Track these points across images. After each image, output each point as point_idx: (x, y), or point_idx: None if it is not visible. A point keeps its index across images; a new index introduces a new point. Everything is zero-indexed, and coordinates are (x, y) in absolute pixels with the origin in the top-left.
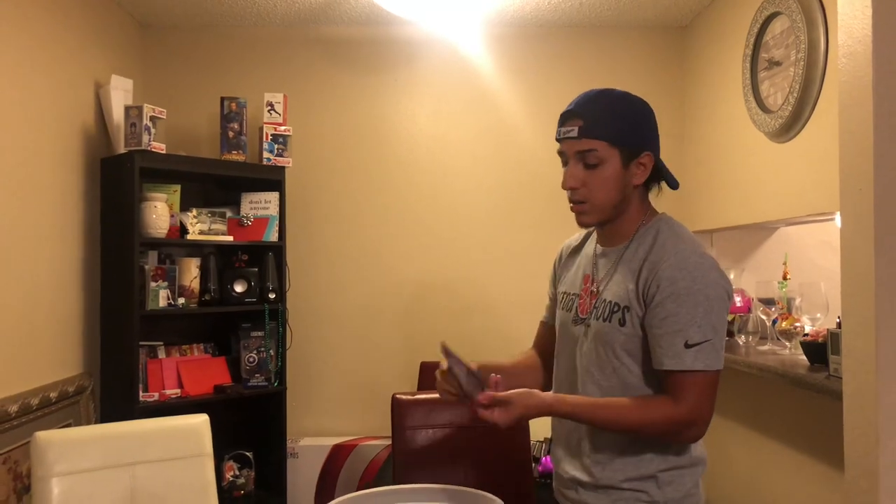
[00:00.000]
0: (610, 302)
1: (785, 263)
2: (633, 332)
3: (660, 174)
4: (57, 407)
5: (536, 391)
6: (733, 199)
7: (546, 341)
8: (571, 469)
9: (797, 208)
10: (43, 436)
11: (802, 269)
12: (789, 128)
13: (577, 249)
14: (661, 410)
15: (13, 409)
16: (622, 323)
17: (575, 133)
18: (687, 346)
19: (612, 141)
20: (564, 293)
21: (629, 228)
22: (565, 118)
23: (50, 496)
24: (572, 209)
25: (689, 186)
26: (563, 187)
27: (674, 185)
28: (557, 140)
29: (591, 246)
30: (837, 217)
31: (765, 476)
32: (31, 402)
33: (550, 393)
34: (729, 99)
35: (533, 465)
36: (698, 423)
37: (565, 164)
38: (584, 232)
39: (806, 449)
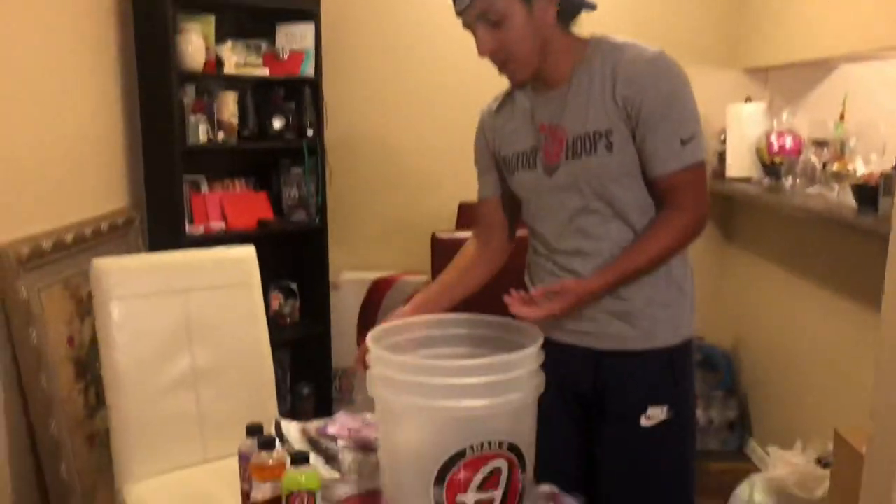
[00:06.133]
0: (587, 133)
1: (843, 104)
2: (624, 155)
3: (570, 2)
4: (107, 238)
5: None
6: (790, 33)
7: (494, 218)
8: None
9: (862, 41)
10: (100, 262)
11: (863, 111)
12: None
13: (502, 110)
14: (679, 222)
15: (69, 237)
16: (609, 148)
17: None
18: (682, 143)
19: None
20: (515, 153)
21: (564, 67)
22: None
23: (110, 318)
24: (501, 73)
25: (742, 21)
26: (480, 55)
27: (590, 5)
28: (458, 16)
29: (522, 100)
30: None
31: (799, 315)
32: (84, 232)
33: (588, 278)
34: None
35: None
36: (707, 215)
37: (475, 34)
38: (500, 94)
39: (842, 290)
